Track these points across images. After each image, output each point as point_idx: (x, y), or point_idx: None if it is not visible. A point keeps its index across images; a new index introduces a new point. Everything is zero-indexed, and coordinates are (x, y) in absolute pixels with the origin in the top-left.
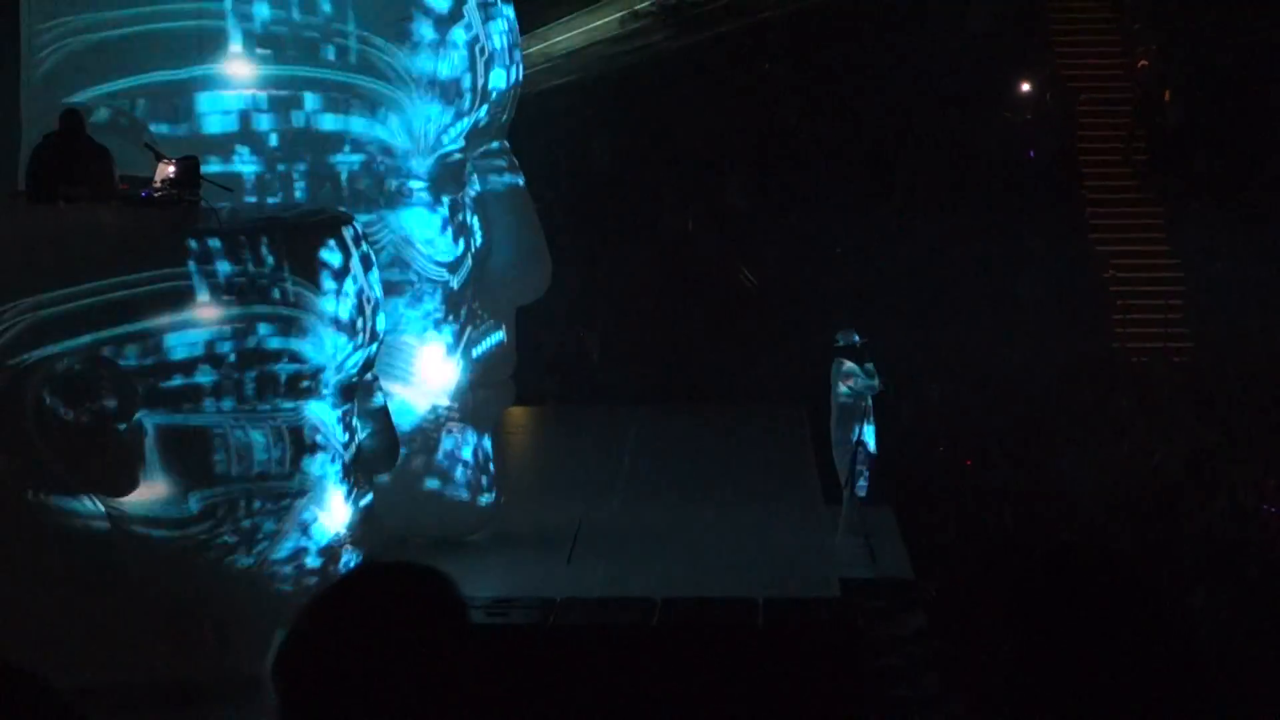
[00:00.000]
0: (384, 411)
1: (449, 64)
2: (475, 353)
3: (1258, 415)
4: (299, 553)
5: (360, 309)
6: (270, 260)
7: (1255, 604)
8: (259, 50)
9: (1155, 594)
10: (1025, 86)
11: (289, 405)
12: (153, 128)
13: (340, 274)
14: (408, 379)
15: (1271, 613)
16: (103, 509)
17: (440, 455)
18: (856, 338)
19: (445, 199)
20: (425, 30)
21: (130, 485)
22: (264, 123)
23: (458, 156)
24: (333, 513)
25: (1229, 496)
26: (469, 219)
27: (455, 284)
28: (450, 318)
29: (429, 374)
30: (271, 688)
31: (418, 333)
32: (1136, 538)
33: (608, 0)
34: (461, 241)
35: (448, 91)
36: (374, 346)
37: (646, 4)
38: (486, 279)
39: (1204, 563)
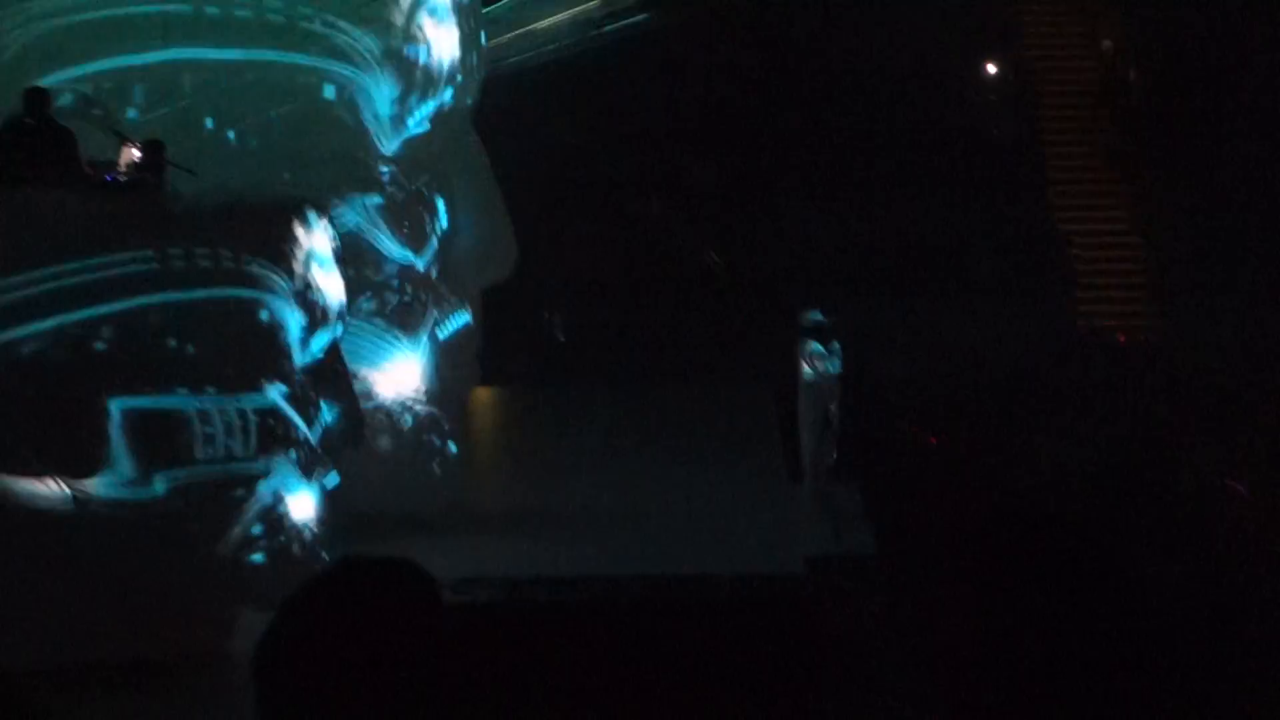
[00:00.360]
0: (349, 393)
1: (414, 47)
2: (440, 334)
3: (1222, 391)
4: (263, 534)
5: (325, 290)
6: (235, 243)
7: (1218, 578)
8: (224, 34)
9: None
10: (989, 65)
11: (253, 386)
12: (117, 112)
13: (305, 256)
14: (373, 360)
15: (1233, 586)
16: (68, 490)
17: (404, 436)
18: (821, 317)
19: (410, 179)
20: (390, 13)
21: (95, 467)
22: (229, 107)
23: (422, 139)
24: (297, 494)
25: (1194, 472)
26: (434, 200)
27: (420, 265)
28: (416, 299)
29: (394, 355)
30: (252, 680)
31: (383, 315)
32: (1101, 513)
33: None
34: (427, 224)
35: (413, 74)
36: (339, 328)
37: None
38: (452, 260)
39: (1168, 537)
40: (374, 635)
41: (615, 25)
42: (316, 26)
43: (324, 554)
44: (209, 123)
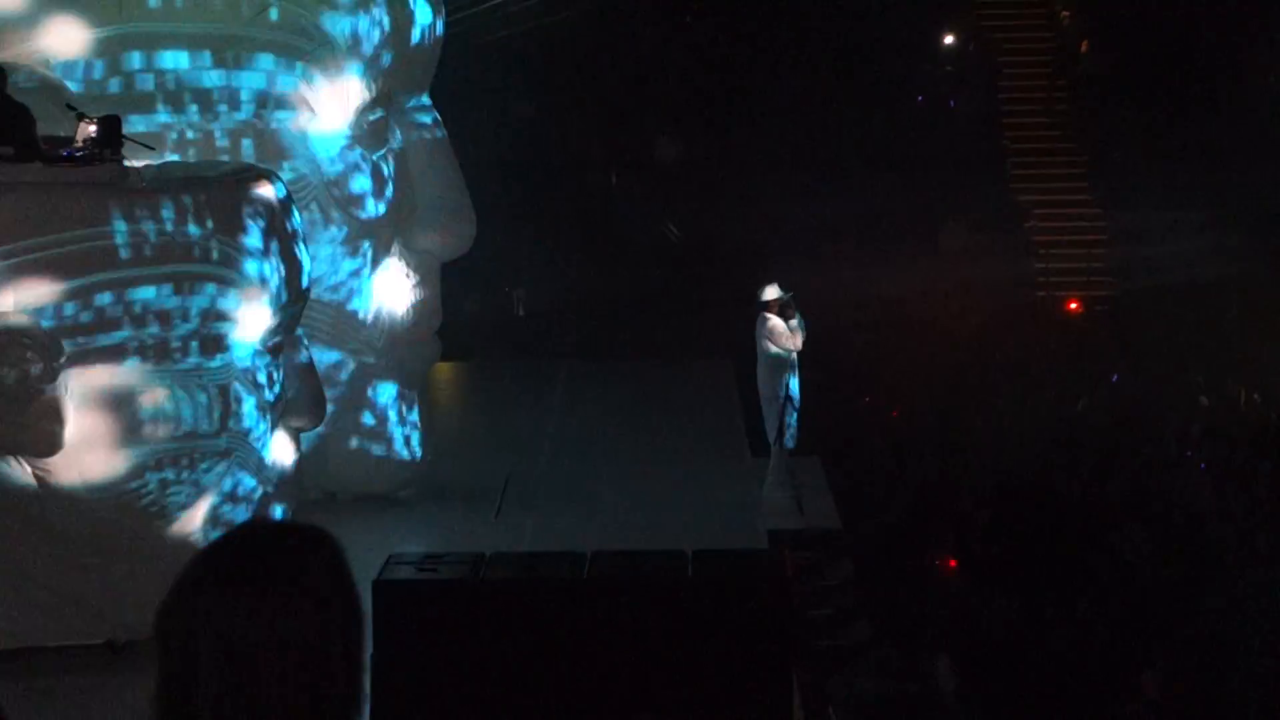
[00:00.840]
0: (310, 368)
1: (370, 21)
2: (401, 309)
3: (1180, 361)
4: (226, 510)
5: (286, 266)
6: (194, 218)
7: (1178, 548)
8: (182, 8)
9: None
10: (947, 37)
11: (215, 363)
12: (73, 87)
13: (265, 231)
14: (334, 336)
15: (1192, 556)
16: (29, 470)
17: (366, 412)
18: (780, 292)
19: (369, 155)
20: None
21: (55, 446)
22: (187, 80)
23: (380, 114)
24: (259, 470)
25: (1154, 442)
26: (392, 175)
27: (380, 240)
28: (375, 274)
29: (354, 330)
30: (153, 643)
31: (344, 289)
32: (1061, 484)
33: None
34: (386, 198)
35: (369, 48)
36: (299, 304)
37: None
38: (411, 235)
39: (1128, 508)
40: (276, 597)
41: None
42: (274, 2)
43: None
44: (163, 97)
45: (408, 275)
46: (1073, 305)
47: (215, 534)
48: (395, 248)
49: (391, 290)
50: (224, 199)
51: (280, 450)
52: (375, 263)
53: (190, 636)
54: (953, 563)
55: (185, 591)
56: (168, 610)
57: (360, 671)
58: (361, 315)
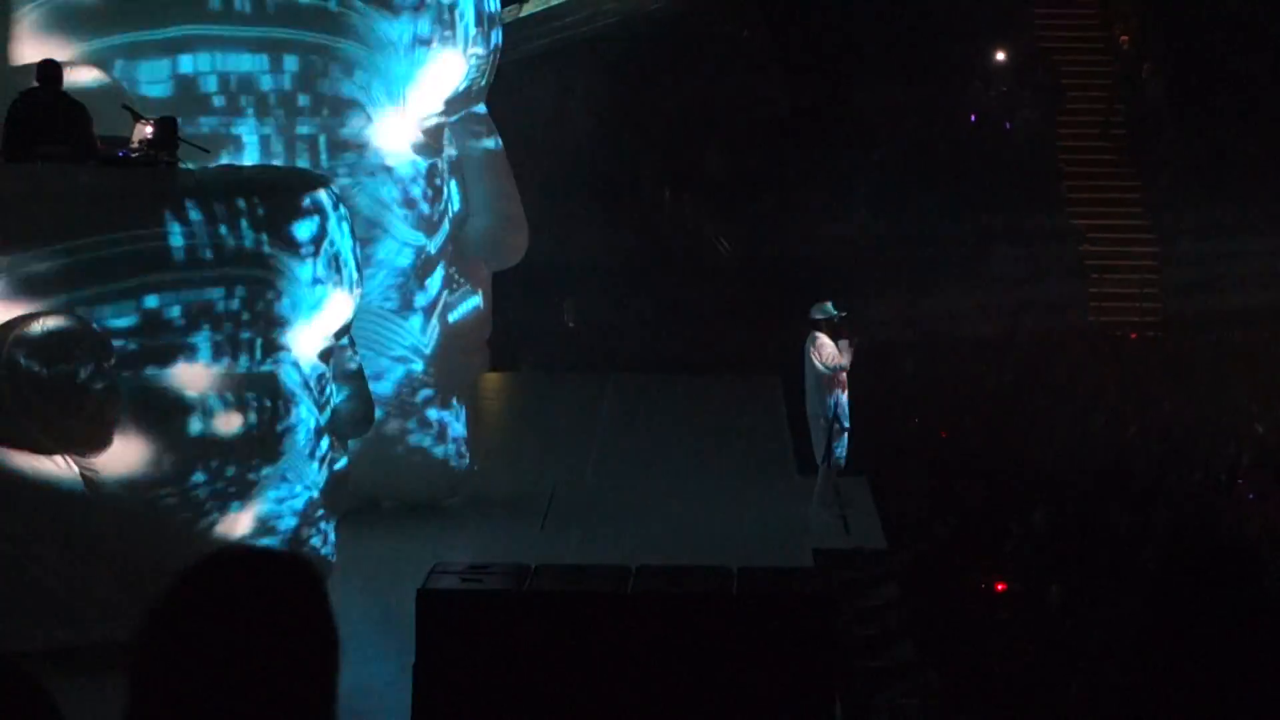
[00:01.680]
0: (360, 375)
1: (428, 29)
2: (451, 317)
3: (1231, 389)
4: (272, 516)
5: (337, 272)
6: (247, 222)
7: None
8: (239, 11)
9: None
10: (1005, 58)
11: (265, 368)
12: (131, 88)
13: (317, 237)
14: (384, 343)
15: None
16: (76, 469)
17: (415, 420)
18: (833, 310)
19: (423, 163)
20: None
21: (104, 445)
22: (243, 84)
23: (436, 121)
24: (307, 476)
25: (1204, 470)
26: (446, 184)
27: (432, 248)
28: (427, 282)
29: (404, 338)
30: (127, 668)
31: (394, 297)
32: (1110, 511)
33: None
34: (439, 206)
35: (426, 55)
36: (350, 310)
37: None
38: (463, 244)
39: (1178, 536)
40: (252, 625)
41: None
42: (331, 5)
43: (334, 538)
44: (221, 100)
45: (459, 284)
46: (1133, 336)
47: (263, 540)
48: (447, 256)
49: (442, 298)
50: (277, 203)
51: (328, 456)
52: (427, 271)
53: (163, 661)
54: (1000, 586)
55: (160, 616)
56: (142, 634)
57: (332, 704)
58: (412, 323)
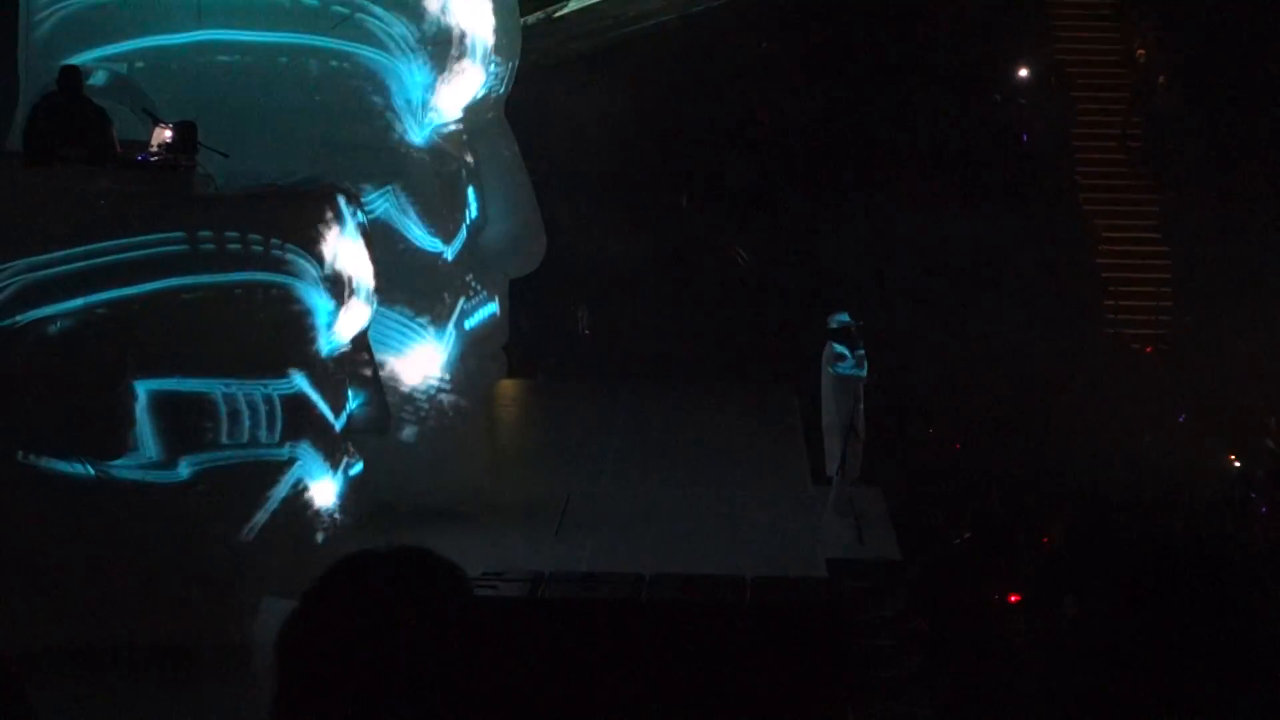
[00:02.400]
0: (375, 380)
1: (448, 35)
2: (468, 324)
3: (1246, 403)
4: (288, 520)
5: (354, 278)
6: (265, 227)
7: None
8: (258, 17)
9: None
10: (1022, 71)
11: (281, 370)
12: (151, 91)
13: (334, 242)
14: (400, 349)
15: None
16: (93, 472)
17: (431, 425)
18: (848, 319)
19: (442, 169)
20: (425, 1)
21: (121, 449)
22: (262, 89)
23: (454, 128)
24: (322, 481)
25: (1218, 483)
26: (465, 191)
27: (449, 255)
28: (443, 289)
29: (421, 345)
30: (274, 661)
31: (411, 303)
32: (1124, 523)
33: None
34: (457, 213)
35: (446, 62)
36: (366, 316)
37: None
38: (481, 251)
39: (1191, 549)
40: (397, 623)
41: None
42: (351, 11)
43: (347, 542)
44: (240, 105)
45: (476, 291)
46: (1148, 349)
47: (277, 544)
48: (465, 262)
49: (459, 304)
50: (295, 208)
51: (343, 460)
52: (444, 275)
53: (313, 652)
54: (1013, 597)
55: (311, 607)
56: (292, 628)
57: (476, 700)
58: (429, 328)
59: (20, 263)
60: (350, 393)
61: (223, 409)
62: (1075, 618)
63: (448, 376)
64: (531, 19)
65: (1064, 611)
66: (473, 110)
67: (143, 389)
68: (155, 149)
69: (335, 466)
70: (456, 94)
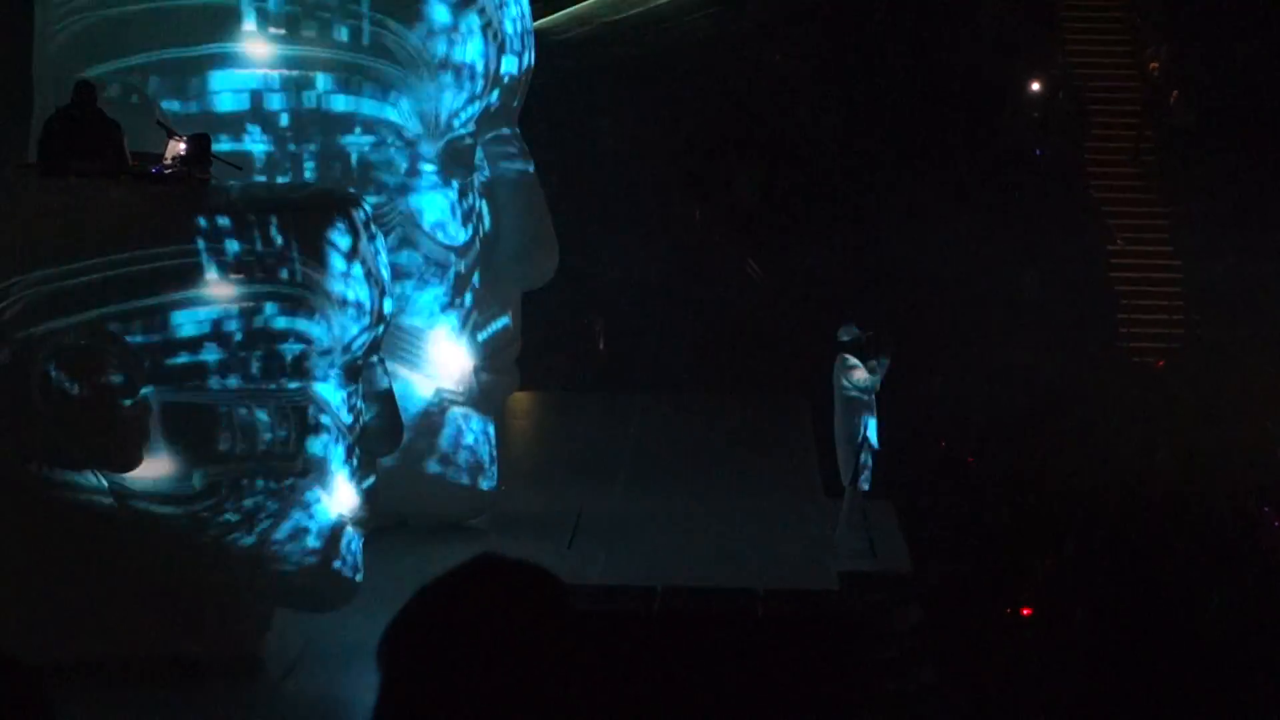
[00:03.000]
0: (389, 394)
1: (461, 48)
2: (481, 337)
3: (1258, 417)
4: (301, 533)
5: (368, 290)
6: (279, 240)
7: (1252, 604)
8: (272, 29)
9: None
10: (1035, 85)
11: (294, 385)
12: (164, 104)
13: (348, 255)
14: (413, 362)
15: (1268, 613)
16: (106, 484)
17: (444, 439)
18: (858, 331)
19: (454, 183)
20: (438, 13)
21: (134, 461)
22: (275, 102)
23: (468, 141)
24: (335, 494)
25: (1229, 497)
26: (478, 203)
27: (462, 268)
28: (457, 301)
29: (434, 357)
30: (377, 665)
31: (424, 316)
32: (1136, 537)
33: None
34: (470, 226)
35: (459, 75)
36: (380, 328)
37: None
38: (493, 264)
39: (1203, 562)
40: (500, 632)
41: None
42: (364, 24)
43: (360, 555)
44: (254, 118)
45: (488, 302)
46: (1159, 364)
47: (290, 556)
48: (477, 275)
49: (471, 317)
50: (308, 221)
51: (356, 474)
52: (457, 290)
53: (414, 663)
54: (1026, 611)
55: (413, 619)
56: (395, 633)
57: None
58: (441, 341)
59: (33, 274)
60: (364, 405)
61: (236, 420)
62: (1087, 630)
63: (461, 389)
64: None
65: (1076, 624)
66: (486, 122)
67: (156, 401)
68: (169, 161)
69: (348, 479)
70: (470, 106)
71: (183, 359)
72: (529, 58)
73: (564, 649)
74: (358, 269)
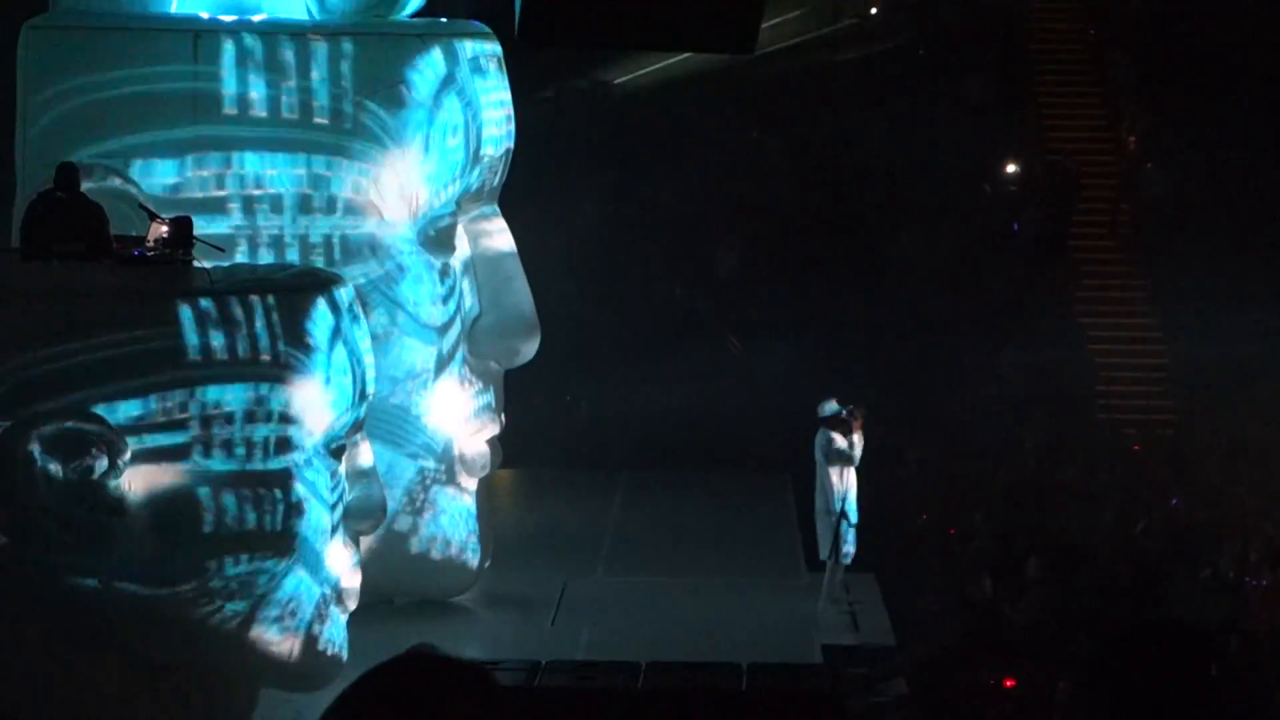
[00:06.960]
0: (372, 472)
1: (442, 128)
2: (463, 414)
3: (1240, 489)
4: (286, 613)
5: (350, 370)
6: (261, 321)
7: (1237, 676)
8: (252, 112)
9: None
10: (1012, 162)
11: (277, 465)
12: (146, 187)
13: (331, 336)
14: (396, 440)
15: (1253, 685)
16: (91, 564)
17: (427, 517)
18: (839, 407)
19: (436, 262)
20: (420, 94)
21: (118, 542)
22: (256, 184)
23: (449, 220)
24: (320, 573)
25: (1213, 570)
26: (459, 282)
27: (445, 347)
28: (439, 379)
29: (416, 434)
30: None
31: (406, 394)
32: (1120, 610)
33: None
34: (451, 305)
35: (440, 155)
36: (363, 407)
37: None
38: (475, 342)
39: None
40: None
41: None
42: (345, 105)
43: (345, 634)
44: (235, 200)
45: (470, 381)
46: (1134, 448)
47: (274, 636)
48: (459, 353)
49: (454, 395)
50: (291, 302)
51: (340, 553)
52: (439, 368)
53: None
54: (1008, 682)
55: (346, 709)
56: None
57: None
58: (424, 420)
59: (17, 358)
60: (347, 484)
61: (220, 501)
62: (1069, 701)
63: (443, 467)
64: None
65: (1058, 696)
66: (467, 201)
67: (139, 483)
68: (152, 244)
69: (333, 559)
70: (450, 186)
71: (166, 441)
72: (510, 137)
73: None
74: (340, 349)
